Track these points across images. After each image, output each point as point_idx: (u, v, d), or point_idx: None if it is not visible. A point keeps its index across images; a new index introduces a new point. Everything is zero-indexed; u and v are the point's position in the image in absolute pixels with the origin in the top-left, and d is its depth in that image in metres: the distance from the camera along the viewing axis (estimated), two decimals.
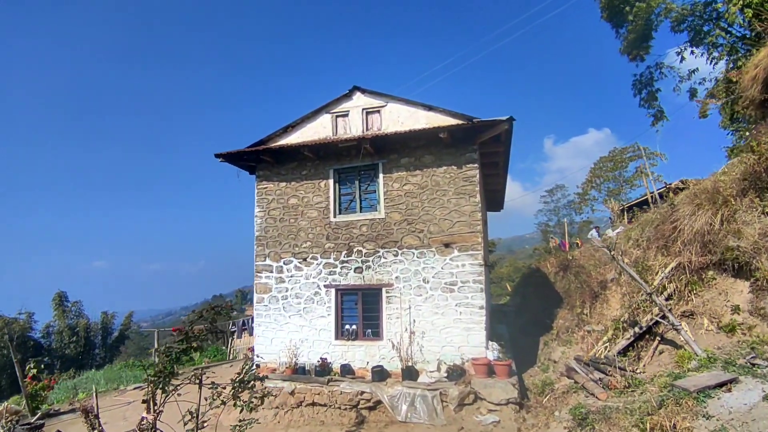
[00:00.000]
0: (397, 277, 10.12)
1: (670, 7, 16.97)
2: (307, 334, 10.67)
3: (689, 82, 18.28)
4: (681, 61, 17.47)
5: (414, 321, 9.83)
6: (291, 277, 11.01)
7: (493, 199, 18.12)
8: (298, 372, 10.24)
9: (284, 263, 11.12)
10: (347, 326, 10.47)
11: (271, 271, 11.21)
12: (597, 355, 7.78)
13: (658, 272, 7.88)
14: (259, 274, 11.32)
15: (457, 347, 9.47)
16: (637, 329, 7.50)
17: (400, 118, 10.93)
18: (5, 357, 19.73)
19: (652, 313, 7.34)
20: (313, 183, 11.20)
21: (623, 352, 7.48)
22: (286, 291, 11.00)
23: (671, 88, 18.95)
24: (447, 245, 9.87)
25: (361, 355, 10.16)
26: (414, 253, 10.07)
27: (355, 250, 10.55)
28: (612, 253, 6.79)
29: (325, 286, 10.68)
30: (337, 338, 10.45)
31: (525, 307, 17.58)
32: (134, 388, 15.08)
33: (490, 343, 9.49)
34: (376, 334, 10.23)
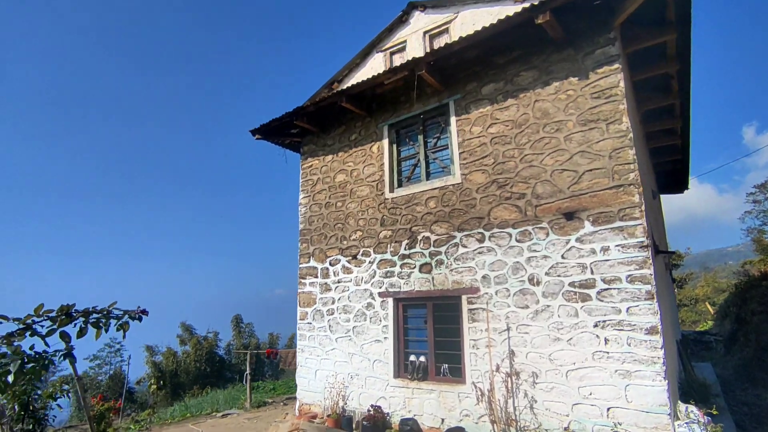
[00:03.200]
0: (484, 277, 6.00)
1: None
2: (357, 367, 7.18)
3: None
4: None
5: (514, 353, 5.52)
6: (338, 282, 7.77)
7: (670, 172, 11.93)
8: (342, 425, 6.81)
9: (330, 264, 7.97)
10: (412, 357, 6.65)
11: (316, 276, 8.16)
12: None
13: None
14: (302, 281, 8.38)
15: (605, 408, 4.81)
16: None
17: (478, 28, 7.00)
18: (198, 369, 22.91)
19: None
20: (364, 149, 7.92)
21: None
22: (333, 303, 7.77)
23: None
24: (570, 215, 5.41)
25: (432, 406, 6.19)
26: (511, 235, 5.85)
27: (420, 237, 6.81)
28: None
29: (380, 294, 7.13)
30: (397, 375, 6.70)
31: (743, 337, 10.96)
32: (222, 416, 13.73)
33: (683, 406, 4.59)
34: (456, 373, 6.17)
